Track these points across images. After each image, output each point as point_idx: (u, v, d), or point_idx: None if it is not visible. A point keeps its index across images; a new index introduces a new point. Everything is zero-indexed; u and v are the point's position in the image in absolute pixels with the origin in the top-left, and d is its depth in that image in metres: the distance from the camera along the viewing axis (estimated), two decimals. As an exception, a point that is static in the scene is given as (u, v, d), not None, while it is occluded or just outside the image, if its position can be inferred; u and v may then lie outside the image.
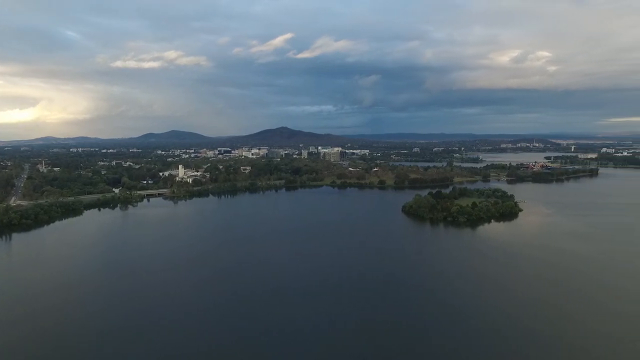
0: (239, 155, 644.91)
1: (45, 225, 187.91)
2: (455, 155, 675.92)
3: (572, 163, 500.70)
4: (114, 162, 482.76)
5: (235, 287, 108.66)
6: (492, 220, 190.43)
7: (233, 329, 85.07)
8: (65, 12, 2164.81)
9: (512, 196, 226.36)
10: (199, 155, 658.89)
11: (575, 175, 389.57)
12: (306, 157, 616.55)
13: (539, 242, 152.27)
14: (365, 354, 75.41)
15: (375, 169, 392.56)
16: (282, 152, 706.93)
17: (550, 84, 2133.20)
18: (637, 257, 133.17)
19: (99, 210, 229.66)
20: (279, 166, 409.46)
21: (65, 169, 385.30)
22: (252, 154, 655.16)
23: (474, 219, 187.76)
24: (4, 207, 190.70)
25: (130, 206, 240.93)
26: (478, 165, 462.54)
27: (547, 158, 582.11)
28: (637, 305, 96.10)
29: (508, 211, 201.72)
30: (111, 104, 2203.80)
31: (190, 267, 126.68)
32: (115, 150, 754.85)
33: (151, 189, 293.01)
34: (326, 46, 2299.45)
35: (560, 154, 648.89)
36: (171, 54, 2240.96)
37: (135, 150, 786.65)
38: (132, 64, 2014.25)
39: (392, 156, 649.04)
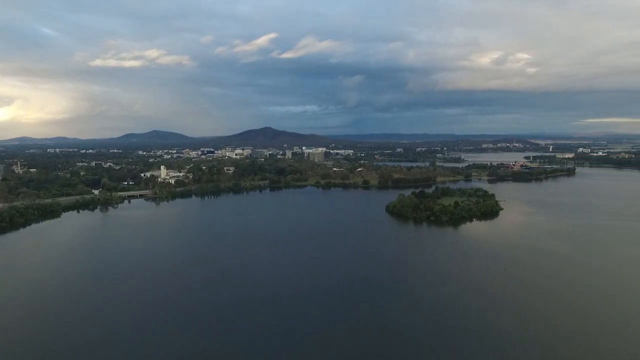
0: (223, 156, 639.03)
1: (22, 228, 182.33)
2: (437, 155, 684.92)
3: (550, 163, 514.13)
4: (93, 163, 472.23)
5: (216, 294, 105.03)
6: (474, 219, 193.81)
7: (215, 337, 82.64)
8: (40, 8, 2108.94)
9: (493, 195, 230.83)
10: (181, 155, 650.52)
11: (553, 174, 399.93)
12: (290, 157, 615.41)
13: (519, 242, 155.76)
14: (348, 357, 75.55)
15: (359, 169, 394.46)
16: (266, 152, 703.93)
17: (529, 85, 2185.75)
18: (611, 257, 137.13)
19: (78, 212, 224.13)
20: (263, 166, 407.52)
21: (42, 170, 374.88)
22: (236, 155, 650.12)
23: (457, 218, 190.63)
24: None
25: (110, 208, 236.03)
26: (460, 165, 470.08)
27: (526, 158, 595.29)
28: (611, 306, 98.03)
29: (489, 210, 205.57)
30: (91, 103, 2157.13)
31: (172, 273, 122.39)
32: (95, 151, 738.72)
33: (132, 190, 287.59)
34: (310, 46, 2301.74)
35: (539, 154, 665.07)
36: (153, 53, 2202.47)
37: (115, 150, 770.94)
38: (112, 62, 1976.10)
39: (376, 156, 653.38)
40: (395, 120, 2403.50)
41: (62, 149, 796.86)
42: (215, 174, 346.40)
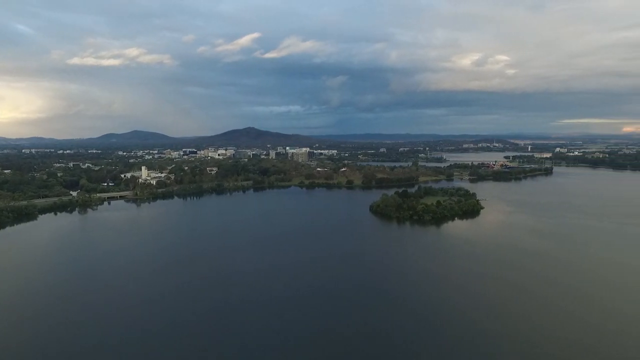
0: (205, 156, 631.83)
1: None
2: (420, 155, 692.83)
3: (529, 162, 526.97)
4: (71, 164, 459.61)
5: (196, 301, 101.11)
6: (456, 218, 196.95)
7: (195, 346, 79.73)
8: (15, 5, 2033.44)
9: (474, 194, 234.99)
10: (163, 156, 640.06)
11: (532, 173, 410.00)
12: (274, 157, 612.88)
13: (500, 241, 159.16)
14: None
15: (343, 169, 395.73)
16: (250, 152, 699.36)
17: (508, 86, 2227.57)
18: (589, 256, 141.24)
19: (55, 214, 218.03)
20: (247, 167, 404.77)
21: (17, 171, 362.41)
22: (219, 155, 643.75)
23: (439, 217, 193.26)
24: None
25: (89, 210, 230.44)
26: (442, 165, 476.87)
27: (506, 157, 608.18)
28: (591, 305, 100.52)
29: (470, 209, 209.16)
30: (68, 102, 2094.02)
31: (150, 279, 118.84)
32: (72, 151, 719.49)
33: (112, 192, 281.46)
34: (293, 46, 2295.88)
35: (518, 154, 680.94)
36: (133, 52, 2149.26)
37: (94, 151, 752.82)
38: (90, 61, 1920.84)
39: (360, 156, 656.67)
40: (378, 121, 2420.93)
41: (38, 150, 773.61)
42: (197, 174, 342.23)
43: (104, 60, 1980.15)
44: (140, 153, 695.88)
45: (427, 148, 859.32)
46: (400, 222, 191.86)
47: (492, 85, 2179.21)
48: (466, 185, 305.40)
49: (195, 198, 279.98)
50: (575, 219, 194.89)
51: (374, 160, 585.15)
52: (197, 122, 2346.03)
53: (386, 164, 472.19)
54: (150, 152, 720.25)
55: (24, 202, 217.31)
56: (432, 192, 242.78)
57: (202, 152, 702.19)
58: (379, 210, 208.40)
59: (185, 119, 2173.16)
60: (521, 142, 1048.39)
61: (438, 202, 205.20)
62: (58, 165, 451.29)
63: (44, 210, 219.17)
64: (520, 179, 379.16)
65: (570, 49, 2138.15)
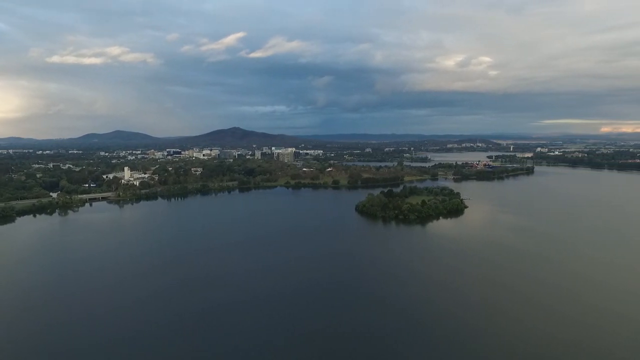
0: (190, 156, 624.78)
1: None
2: (405, 155, 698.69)
3: (511, 162, 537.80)
4: (51, 165, 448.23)
5: (185, 303, 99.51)
6: (441, 217, 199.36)
7: (186, 347, 78.92)
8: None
9: (458, 194, 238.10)
10: (146, 156, 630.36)
11: (514, 173, 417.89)
12: (260, 157, 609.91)
13: (483, 239, 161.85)
14: None
15: (329, 169, 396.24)
16: (235, 152, 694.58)
17: (491, 87, 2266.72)
18: (570, 253, 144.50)
19: (35, 216, 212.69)
20: (232, 167, 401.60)
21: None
22: (204, 155, 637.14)
23: (424, 217, 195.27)
24: None
25: (70, 211, 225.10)
26: (427, 165, 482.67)
27: (489, 157, 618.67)
28: (571, 300, 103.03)
29: (455, 208, 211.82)
30: (47, 102, 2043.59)
31: (134, 282, 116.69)
32: (52, 152, 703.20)
33: (94, 193, 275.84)
34: (279, 46, 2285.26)
35: (501, 153, 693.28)
36: (114, 50, 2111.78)
37: (75, 151, 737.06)
38: (70, 59, 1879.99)
39: (345, 156, 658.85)
40: (364, 121, 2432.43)
41: (16, 150, 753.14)
42: (182, 175, 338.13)
43: (84, 58, 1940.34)
44: (123, 153, 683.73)
45: (412, 148, 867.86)
46: (385, 221, 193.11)
47: (475, 86, 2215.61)
48: (450, 184, 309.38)
49: (179, 199, 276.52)
50: (556, 217, 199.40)
51: (359, 160, 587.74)
52: (181, 122, 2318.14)
53: (372, 164, 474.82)
54: (134, 152, 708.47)
55: (1, 204, 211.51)
56: (417, 192, 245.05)
57: (186, 152, 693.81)
58: (364, 210, 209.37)
59: (170, 119, 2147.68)
60: (504, 142, 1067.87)
61: (423, 201, 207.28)
62: (37, 166, 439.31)
63: (23, 212, 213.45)
64: (502, 178, 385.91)
65: (550, 51, 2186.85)
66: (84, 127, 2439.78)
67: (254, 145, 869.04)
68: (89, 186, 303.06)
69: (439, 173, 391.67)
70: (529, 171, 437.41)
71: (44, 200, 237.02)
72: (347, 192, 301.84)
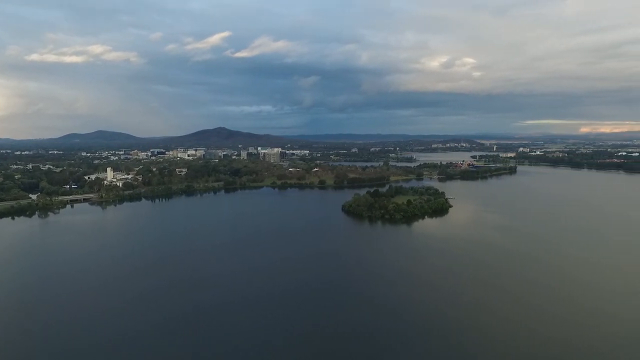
0: (174, 157, 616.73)
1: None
2: (391, 155, 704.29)
3: (495, 162, 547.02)
4: (30, 165, 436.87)
5: (173, 304, 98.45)
6: (426, 217, 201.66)
7: (167, 354, 77.15)
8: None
9: (443, 193, 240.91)
10: (129, 157, 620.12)
11: (497, 172, 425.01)
12: (245, 157, 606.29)
13: (468, 237, 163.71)
14: None
15: (316, 169, 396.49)
16: (221, 152, 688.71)
17: (475, 88, 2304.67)
18: (553, 252, 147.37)
19: (13, 219, 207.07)
20: (217, 167, 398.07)
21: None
22: (188, 155, 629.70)
23: (409, 216, 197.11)
24: None
25: (50, 213, 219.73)
26: (412, 165, 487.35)
27: (473, 157, 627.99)
28: (556, 297, 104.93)
29: (440, 208, 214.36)
30: (26, 100, 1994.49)
31: (117, 284, 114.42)
32: (31, 152, 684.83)
33: (75, 194, 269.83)
34: (265, 46, 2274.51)
35: (484, 153, 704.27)
36: (97, 49, 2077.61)
37: (56, 152, 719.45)
38: (51, 57, 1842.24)
39: (332, 156, 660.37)
40: (350, 121, 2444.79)
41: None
42: (166, 175, 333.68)
43: (65, 57, 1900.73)
44: (105, 154, 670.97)
45: (397, 148, 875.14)
46: (372, 221, 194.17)
47: (460, 86, 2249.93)
48: (435, 184, 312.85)
49: (164, 200, 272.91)
50: (539, 217, 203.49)
51: (345, 160, 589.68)
52: (165, 121, 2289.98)
53: (358, 164, 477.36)
54: (116, 152, 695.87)
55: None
56: (403, 192, 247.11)
57: (171, 152, 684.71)
58: (351, 209, 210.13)
59: (153, 119, 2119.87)
60: (487, 142, 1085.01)
61: (408, 201, 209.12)
62: (15, 167, 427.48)
63: (0, 214, 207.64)
64: (486, 177, 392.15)
65: (533, 53, 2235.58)
66: (65, 126, 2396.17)
67: (240, 146, 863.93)
68: (70, 187, 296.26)
69: (424, 173, 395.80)
70: (512, 171, 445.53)
71: (23, 202, 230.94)
72: (333, 192, 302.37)
